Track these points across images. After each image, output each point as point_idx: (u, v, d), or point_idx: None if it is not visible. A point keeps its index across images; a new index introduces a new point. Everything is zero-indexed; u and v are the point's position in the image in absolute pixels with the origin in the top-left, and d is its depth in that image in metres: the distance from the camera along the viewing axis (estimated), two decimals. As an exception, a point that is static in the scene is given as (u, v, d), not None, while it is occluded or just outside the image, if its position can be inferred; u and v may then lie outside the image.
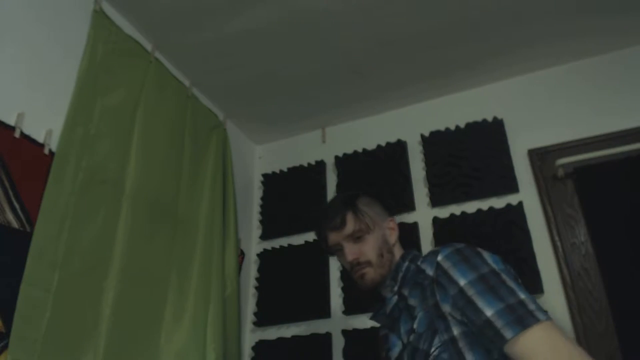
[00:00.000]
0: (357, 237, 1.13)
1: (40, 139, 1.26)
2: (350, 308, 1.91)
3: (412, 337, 0.99)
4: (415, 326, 1.00)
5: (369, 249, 1.12)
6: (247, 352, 2.01)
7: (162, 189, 1.63)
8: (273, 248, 2.17)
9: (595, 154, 1.75)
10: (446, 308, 0.94)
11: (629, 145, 1.72)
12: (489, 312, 0.87)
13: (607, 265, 1.66)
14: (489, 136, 1.96)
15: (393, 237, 1.19)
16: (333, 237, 1.16)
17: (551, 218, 1.76)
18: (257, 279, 2.14)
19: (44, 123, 1.28)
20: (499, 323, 0.86)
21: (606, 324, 1.60)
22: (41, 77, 1.31)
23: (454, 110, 2.10)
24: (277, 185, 2.33)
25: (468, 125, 2.02)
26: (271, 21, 1.70)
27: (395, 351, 1.07)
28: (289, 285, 2.06)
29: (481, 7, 1.67)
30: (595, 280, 1.66)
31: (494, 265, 0.95)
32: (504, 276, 0.93)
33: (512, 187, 1.85)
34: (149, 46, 1.74)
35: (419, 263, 1.07)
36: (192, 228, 1.73)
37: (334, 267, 2.02)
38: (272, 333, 2.02)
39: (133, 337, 1.38)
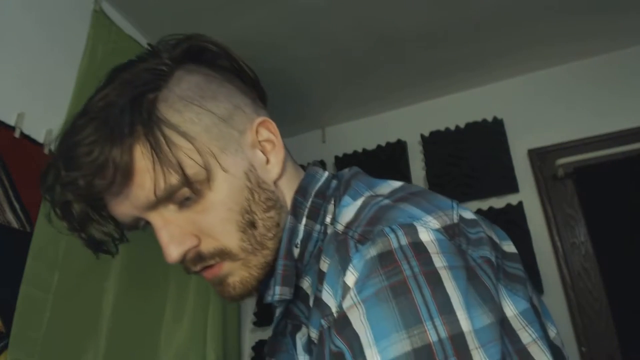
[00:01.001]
0: (181, 202, 0.49)
1: (40, 139, 1.26)
2: (350, 308, 1.91)
3: None
4: None
5: (213, 222, 0.50)
6: (247, 352, 2.01)
7: (162, 189, 1.62)
8: (273, 248, 2.17)
9: (595, 154, 1.75)
10: None
11: (628, 145, 1.72)
12: None
13: (607, 265, 1.67)
14: (489, 136, 1.96)
15: (275, 164, 0.56)
16: (116, 207, 0.51)
17: (551, 218, 1.76)
18: (257, 279, 2.13)
19: (44, 123, 1.28)
20: None
21: (606, 324, 1.60)
22: (41, 77, 1.31)
23: (454, 110, 2.09)
24: (277, 185, 2.32)
25: (468, 125, 2.02)
26: (271, 21, 1.70)
27: None
28: (289, 285, 2.05)
29: (481, 7, 1.67)
30: (595, 280, 1.66)
31: (462, 282, 0.39)
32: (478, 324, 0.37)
33: (512, 187, 1.85)
34: (149, 46, 1.74)
35: (327, 221, 0.53)
36: (192, 228, 1.72)
37: (334, 267, 2.02)
38: (272, 333, 2.02)
39: (133, 337, 1.38)
